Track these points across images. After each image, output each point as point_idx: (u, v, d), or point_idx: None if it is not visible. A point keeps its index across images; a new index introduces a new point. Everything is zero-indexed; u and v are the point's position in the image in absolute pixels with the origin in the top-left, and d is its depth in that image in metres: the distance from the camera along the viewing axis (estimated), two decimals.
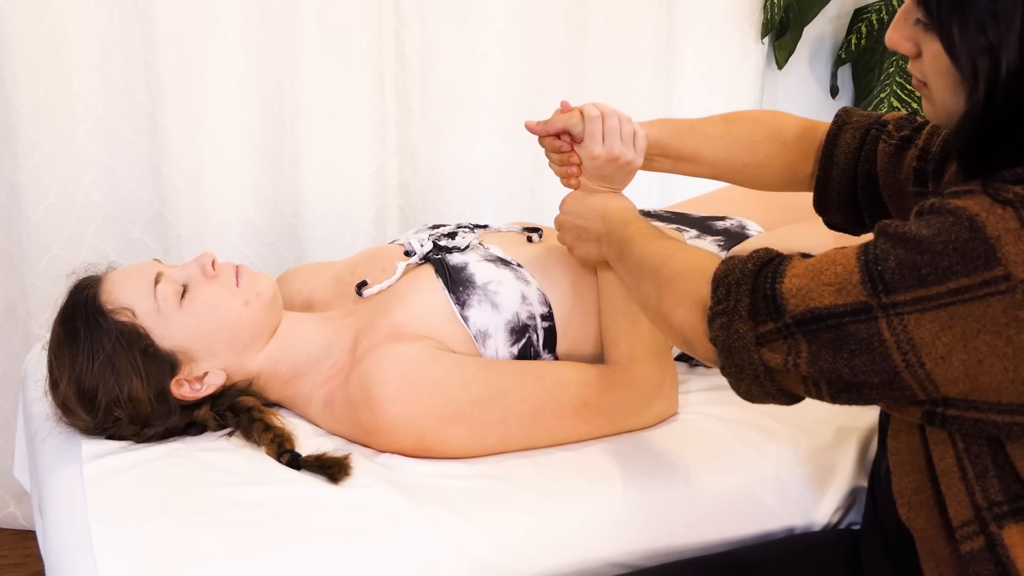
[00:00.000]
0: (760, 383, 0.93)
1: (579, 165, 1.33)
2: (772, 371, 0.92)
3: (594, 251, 1.29)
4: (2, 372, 2.06)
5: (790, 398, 0.95)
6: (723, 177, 1.37)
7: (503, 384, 1.27)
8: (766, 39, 2.28)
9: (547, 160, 1.37)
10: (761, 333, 0.91)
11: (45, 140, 1.87)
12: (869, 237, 0.90)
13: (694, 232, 1.59)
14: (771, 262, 0.93)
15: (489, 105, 2.13)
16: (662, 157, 1.35)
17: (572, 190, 1.35)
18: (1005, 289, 0.81)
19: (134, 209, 1.99)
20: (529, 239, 1.49)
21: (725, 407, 1.37)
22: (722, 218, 1.64)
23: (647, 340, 1.32)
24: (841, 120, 1.26)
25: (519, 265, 1.40)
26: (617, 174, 1.32)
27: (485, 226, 1.53)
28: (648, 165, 1.35)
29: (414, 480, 1.22)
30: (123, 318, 1.27)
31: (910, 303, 0.83)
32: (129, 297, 1.29)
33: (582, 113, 1.31)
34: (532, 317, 1.35)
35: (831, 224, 1.30)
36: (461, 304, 1.34)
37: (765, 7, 2.24)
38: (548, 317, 1.37)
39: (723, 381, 1.43)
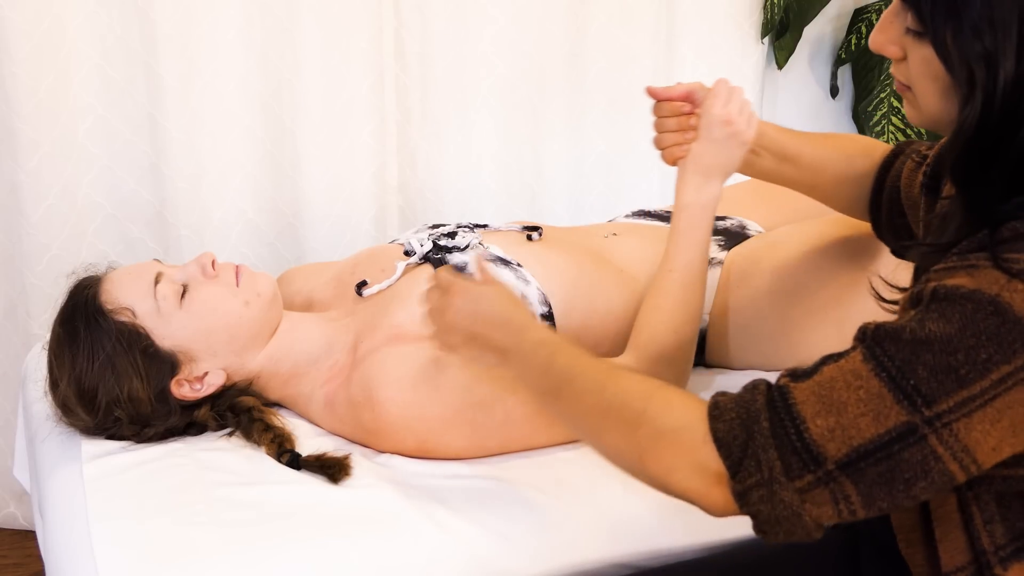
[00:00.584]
0: (810, 536, 0.87)
1: (695, 129, 1.31)
2: (821, 522, 0.85)
3: (494, 363, 1.06)
4: (2, 372, 2.06)
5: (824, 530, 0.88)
6: (817, 189, 1.36)
7: (504, 387, 1.27)
8: (766, 39, 2.28)
9: (656, 132, 1.34)
10: (799, 488, 0.84)
11: (45, 140, 1.87)
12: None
13: None
14: (774, 405, 0.85)
15: (489, 105, 2.13)
16: (767, 152, 1.33)
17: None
18: None
19: (134, 209, 1.99)
20: (529, 238, 1.49)
21: None
22: (722, 218, 1.64)
23: (663, 343, 1.29)
24: (898, 149, 1.27)
25: (519, 265, 1.40)
26: (726, 143, 1.29)
27: (485, 226, 1.53)
28: (751, 161, 1.33)
29: (414, 480, 1.22)
30: (123, 318, 1.27)
31: (955, 409, 0.79)
32: (129, 297, 1.29)
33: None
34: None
35: (894, 252, 1.29)
36: None
37: (765, 7, 2.24)
38: (548, 317, 1.37)
39: (723, 383, 1.44)
